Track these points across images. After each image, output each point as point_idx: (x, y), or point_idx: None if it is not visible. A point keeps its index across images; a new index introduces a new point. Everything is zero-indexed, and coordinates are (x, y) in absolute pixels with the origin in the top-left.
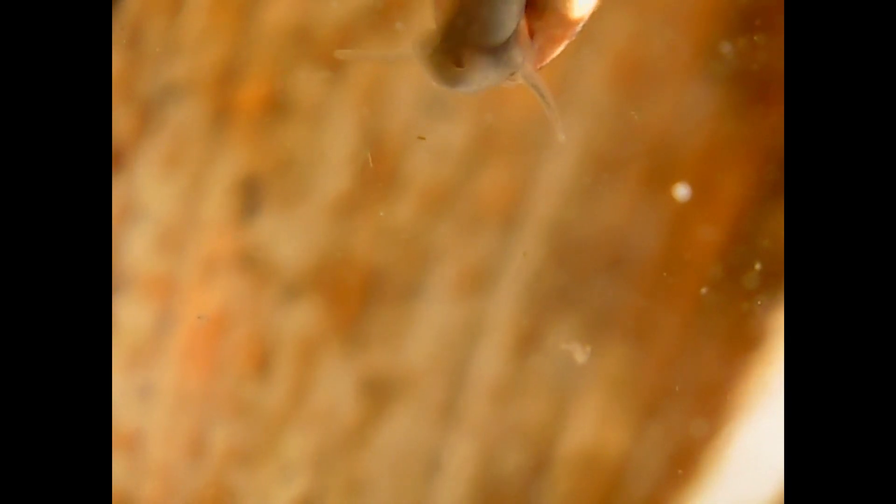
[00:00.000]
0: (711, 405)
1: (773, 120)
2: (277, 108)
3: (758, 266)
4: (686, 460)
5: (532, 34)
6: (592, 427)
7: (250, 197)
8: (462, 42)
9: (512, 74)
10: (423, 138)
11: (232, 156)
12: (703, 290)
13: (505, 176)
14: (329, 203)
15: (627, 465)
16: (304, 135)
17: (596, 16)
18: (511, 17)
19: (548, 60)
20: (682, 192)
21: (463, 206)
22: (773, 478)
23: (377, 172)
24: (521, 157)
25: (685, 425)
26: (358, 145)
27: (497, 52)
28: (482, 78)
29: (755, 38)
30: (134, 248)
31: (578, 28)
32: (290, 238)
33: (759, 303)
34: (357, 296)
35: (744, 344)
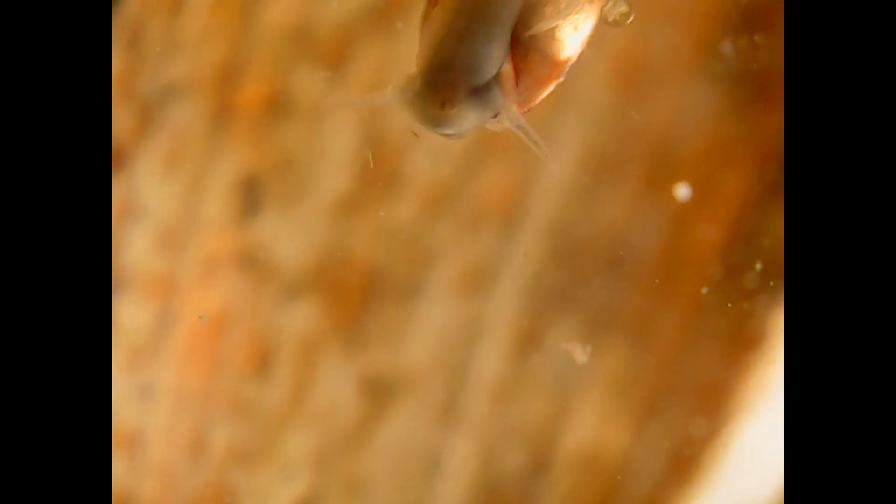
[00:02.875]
0: (711, 405)
1: (774, 119)
2: (278, 107)
3: (758, 266)
4: (686, 460)
5: (518, 76)
6: (593, 426)
7: (250, 196)
8: (443, 85)
9: (496, 116)
10: (416, 135)
11: (232, 155)
12: (704, 290)
13: (505, 176)
14: (329, 203)
15: (627, 464)
16: (305, 134)
17: None
18: (491, 59)
19: (536, 102)
20: (682, 191)
21: (463, 205)
22: (773, 478)
23: (377, 172)
24: (522, 157)
25: (685, 425)
26: (358, 145)
27: (479, 93)
28: (464, 119)
29: (755, 37)
30: (134, 248)
31: (566, 69)
32: (290, 238)
33: (759, 302)
34: (357, 295)
35: (744, 343)
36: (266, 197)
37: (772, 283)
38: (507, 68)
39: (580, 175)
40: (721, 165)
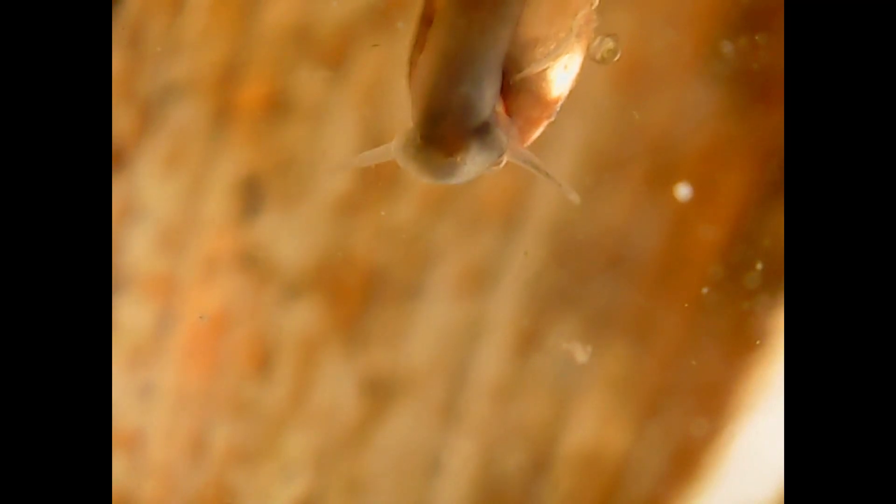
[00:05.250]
0: (712, 404)
1: (774, 119)
2: (278, 107)
3: (759, 266)
4: (686, 460)
5: (510, 118)
6: (593, 426)
7: (251, 196)
8: (443, 132)
9: (501, 156)
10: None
11: (232, 155)
12: (704, 290)
13: (505, 176)
14: (330, 203)
15: (628, 464)
16: (305, 134)
17: (597, 15)
18: (484, 99)
19: (529, 142)
20: (683, 191)
21: (464, 205)
22: (773, 478)
23: (378, 172)
24: None
25: (686, 425)
26: (359, 145)
27: (480, 133)
28: (472, 163)
29: (756, 37)
30: (134, 248)
31: (557, 108)
32: (290, 237)
33: (760, 302)
34: (358, 295)
35: (745, 343)
36: (266, 197)
37: (772, 283)
38: (500, 109)
39: (580, 175)
40: (722, 165)
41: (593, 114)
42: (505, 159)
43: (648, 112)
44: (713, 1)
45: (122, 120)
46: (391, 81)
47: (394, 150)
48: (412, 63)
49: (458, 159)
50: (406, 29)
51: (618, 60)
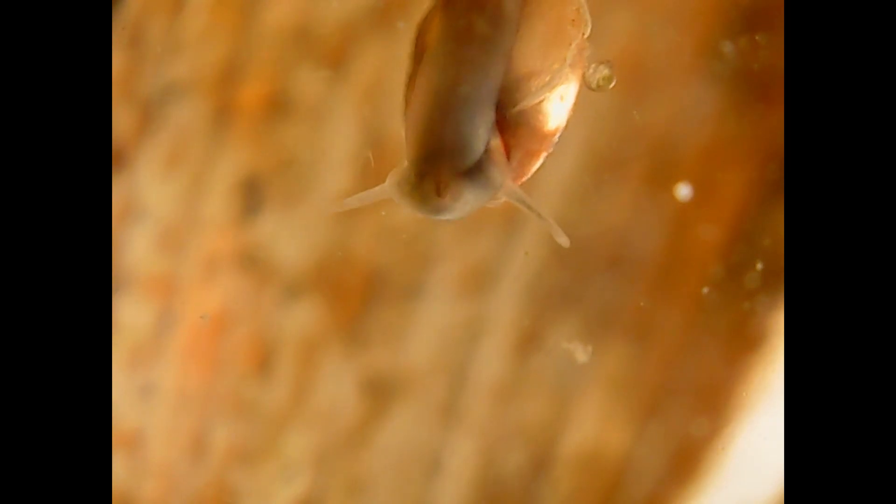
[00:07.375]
0: (712, 404)
1: (775, 119)
2: (278, 107)
3: (759, 265)
4: (687, 460)
5: (508, 151)
6: (593, 426)
7: (251, 196)
8: (436, 172)
9: (493, 195)
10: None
11: (233, 155)
12: (705, 290)
13: None
14: (330, 202)
15: (628, 464)
16: (305, 134)
17: (597, 15)
18: (477, 136)
19: (528, 175)
20: (683, 191)
21: None
22: (773, 478)
23: (378, 172)
24: None
25: (686, 425)
26: (359, 144)
27: (473, 173)
28: (464, 203)
29: (757, 37)
30: (135, 248)
31: (555, 139)
32: (291, 237)
33: (760, 302)
34: (358, 295)
35: (745, 343)
36: (267, 197)
37: (772, 283)
38: (497, 143)
39: (580, 175)
40: (722, 165)
41: (593, 114)
42: (505, 197)
43: (648, 112)
44: (713, 1)
45: (122, 120)
46: (391, 81)
47: (388, 187)
48: (406, 101)
49: (449, 198)
50: (406, 29)
51: (618, 60)
